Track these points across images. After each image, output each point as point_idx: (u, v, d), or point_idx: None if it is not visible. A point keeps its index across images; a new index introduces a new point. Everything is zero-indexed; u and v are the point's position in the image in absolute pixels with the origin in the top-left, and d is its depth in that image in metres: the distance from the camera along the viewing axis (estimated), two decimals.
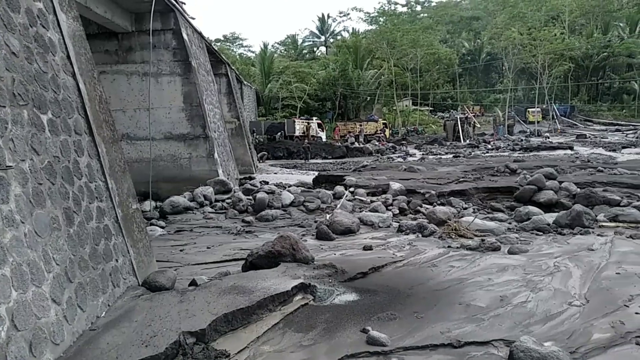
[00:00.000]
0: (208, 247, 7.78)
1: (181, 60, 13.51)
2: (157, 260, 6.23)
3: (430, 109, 57.46)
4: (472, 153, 27.73)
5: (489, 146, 32.90)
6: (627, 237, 7.39)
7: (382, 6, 68.18)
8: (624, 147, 27.93)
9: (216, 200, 11.52)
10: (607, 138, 36.03)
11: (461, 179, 13.50)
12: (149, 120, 12.19)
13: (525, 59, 47.52)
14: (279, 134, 35.18)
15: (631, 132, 39.71)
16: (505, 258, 6.61)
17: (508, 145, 32.72)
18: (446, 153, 29.20)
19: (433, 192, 11.43)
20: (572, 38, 57.26)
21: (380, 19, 64.44)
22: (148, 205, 10.41)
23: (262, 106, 50.19)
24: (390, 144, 36.95)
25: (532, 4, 56.01)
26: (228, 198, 11.46)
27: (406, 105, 53.14)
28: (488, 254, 6.78)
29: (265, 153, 29.52)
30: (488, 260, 6.51)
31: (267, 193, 10.51)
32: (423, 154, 29.34)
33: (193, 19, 15.29)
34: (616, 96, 57.05)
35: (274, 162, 28.51)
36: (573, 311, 4.71)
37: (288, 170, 23.81)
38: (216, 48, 24.82)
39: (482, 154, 26.75)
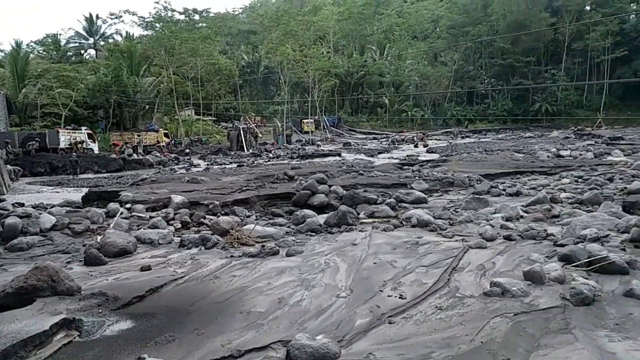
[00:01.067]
0: None
1: None
2: None
3: (214, 119, 57.69)
4: (255, 162, 28.82)
5: (271, 155, 34.71)
6: (381, 231, 8.62)
7: (157, 12, 65.70)
8: (379, 153, 32.81)
9: None
10: (367, 145, 41.79)
11: (244, 188, 13.79)
12: None
13: (299, 74, 51.80)
14: (32, 144, 29.90)
15: (384, 139, 46.94)
16: (283, 261, 6.98)
17: (287, 153, 35.03)
18: (230, 162, 29.68)
19: (217, 202, 11.38)
20: (337, 57, 65.02)
21: (157, 24, 61.96)
22: None
23: (16, 114, 42.71)
24: (173, 155, 35.76)
25: (302, 24, 61.42)
26: None
27: (188, 115, 52.23)
28: (268, 259, 7.05)
29: (20, 169, 25.12)
30: (268, 265, 6.77)
31: (21, 217, 8.88)
32: (208, 164, 29.22)
33: None
34: (372, 109, 66.87)
35: (33, 179, 24.59)
36: (340, 302, 5.22)
37: (52, 188, 20.84)
38: None
39: (264, 163, 28.04)
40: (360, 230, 8.74)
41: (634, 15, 66.60)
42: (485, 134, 55.81)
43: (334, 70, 58.21)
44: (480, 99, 70.62)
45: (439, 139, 48.15)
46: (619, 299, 5.07)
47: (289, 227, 9.66)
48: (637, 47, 62.92)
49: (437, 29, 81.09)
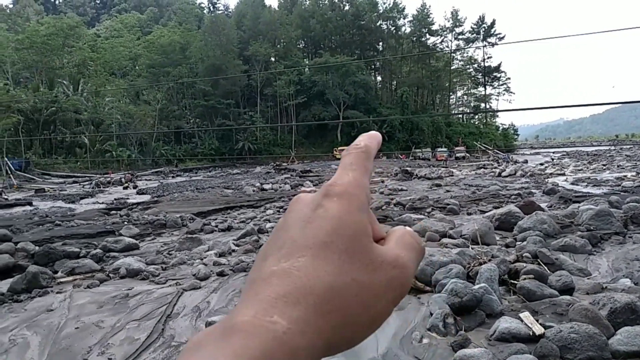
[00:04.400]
0: None
1: None
2: None
3: None
4: None
5: None
6: (85, 288, 7.58)
7: None
8: (82, 198, 29.47)
9: None
10: (66, 190, 37.05)
11: None
12: None
13: None
14: None
15: (87, 182, 42.61)
16: None
17: None
18: None
19: None
20: (18, 90, 55.95)
21: None
22: None
23: None
24: None
25: None
26: None
27: None
28: None
29: None
30: None
31: None
32: None
33: None
34: (70, 149, 59.86)
35: None
36: None
37: None
38: None
39: None
40: (58, 292, 7.46)
41: (307, 69, 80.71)
42: (196, 172, 57.20)
43: (15, 106, 49.82)
44: (188, 138, 72.36)
45: (150, 179, 46.78)
46: None
47: None
48: (313, 94, 76.22)
49: (137, 67, 79.46)
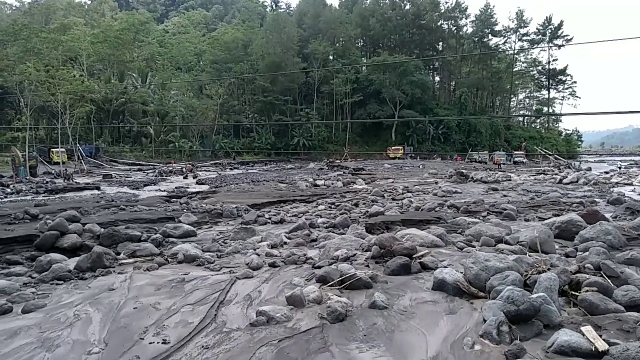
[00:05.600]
0: None
1: None
2: None
3: None
4: None
5: (9, 190, 29.10)
6: (144, 271, 7.93)
7: None
8: (145, 185, 30.90)
9: None
10: (131, 177, 38.98)
11: None
12: None
13: (44, 97, 45.35)
14: None
15: (150, 171, 44.60)
16: (17, 320, 5.73)
17: (31, 188, 29.94)
18: None
19: None
20: (92, 81, 59.32)
21: None
22: None
23: None
24: None
25: (47, 42, 54.40)
26: None
27: None
28: None
29: None
30: None
31: None
32: None
33: None
34: (136, 139, 62.93)
35: None
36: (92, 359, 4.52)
37: None
38: None
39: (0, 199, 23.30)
40: (119, 273, 7.87)
41: (365, 68, 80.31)
42: (252, 166, 58.46)
43: (88, 96, 52.85)
44: (246, 132, 74.12)
45: (209, 170, 48.31)
46: (366, 311, 5.72)
47: (29, 276, 8.08)
48: (369, 93, 75.77)
49: (201, 62, 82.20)
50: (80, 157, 47.05)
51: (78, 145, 48.22)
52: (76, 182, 32.65)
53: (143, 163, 53.26)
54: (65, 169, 39.73)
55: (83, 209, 14.79)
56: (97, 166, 48.85)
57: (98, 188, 28.21)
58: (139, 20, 74.12)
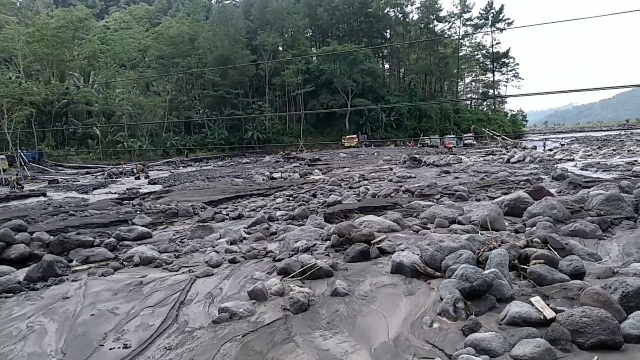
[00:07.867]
0: None
1: None
2: None
3: None
4: None
5: None
6: (100, 276, 7.69)
7: None
8: (95, 189, 29.79)
9: None
10: (79, 181, 37.46)
11: None
12: None
13: None
14: None
15: (99, 173, 43.01)
16: None
17: None
18: None
19: None
20: (30, 83, 56.31)
21: None
22: None
23: None
24: None
25: None
26: None
27: None
28: None
29: None
30: None
31: None
32: None
33: None
34: (82, 141, 60.31)
35: None
36: None
37: None
38: None
39: None
40: (73, 280, 7.60)
41: (315, 58, 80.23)
42: (206, 162, 57.44)
43: (27, 98, 50.18)
44: (198, 128, 72.59)
45: (161, 169, 47.10)
46: (328, 299, 5.81)
47: None
48: (321, 83, 75.80)
49: (146, 58, 79.52)
50: (23, 164, 44.68)
51: (19, 151, 45.79)
52: (20, 187, 31.08)
53: (91, 166, 51.24)
54: (17, 174, 37.75)
55: (29, 217, 14.16)
56: (41, 172, 46.52)
57: (44, 194, 26.94)
58: (77, 17, 70.70)
